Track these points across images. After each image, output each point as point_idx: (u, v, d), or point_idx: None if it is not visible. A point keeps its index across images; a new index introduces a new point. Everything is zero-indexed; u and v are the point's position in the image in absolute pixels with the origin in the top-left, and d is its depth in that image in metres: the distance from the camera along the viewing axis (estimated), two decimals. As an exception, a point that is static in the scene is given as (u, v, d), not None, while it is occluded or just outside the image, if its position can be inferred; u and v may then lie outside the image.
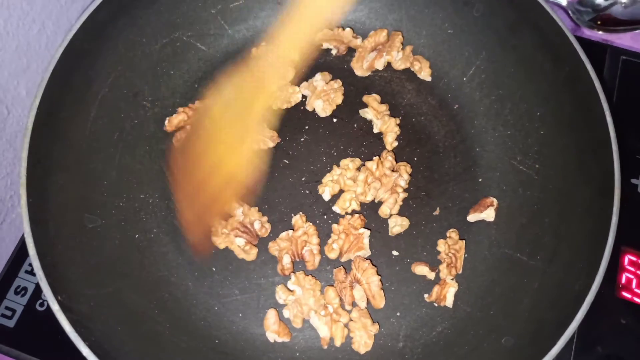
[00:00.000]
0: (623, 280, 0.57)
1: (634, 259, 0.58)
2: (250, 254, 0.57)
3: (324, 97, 0.63)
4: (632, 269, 0.58)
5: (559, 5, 0.73)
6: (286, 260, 0.56)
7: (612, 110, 0.64)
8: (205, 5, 0.64)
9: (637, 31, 0.72)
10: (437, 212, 0.60)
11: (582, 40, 0.69)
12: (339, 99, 0.64)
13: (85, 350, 0.44)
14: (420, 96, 0.65)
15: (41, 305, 0.58)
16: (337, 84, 0.64)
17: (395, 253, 0.58)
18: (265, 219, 0.59)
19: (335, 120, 0.64)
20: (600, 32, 0.72)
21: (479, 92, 0.64)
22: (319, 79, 0.64)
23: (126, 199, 0.58)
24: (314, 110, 0.64)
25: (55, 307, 0.45)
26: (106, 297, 0.51)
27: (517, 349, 0.49)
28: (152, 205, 0.59)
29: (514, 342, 0.49)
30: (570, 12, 0.73)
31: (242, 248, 0.57)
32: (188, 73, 0.65)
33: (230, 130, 0.47)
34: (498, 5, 0.60)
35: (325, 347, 0.54)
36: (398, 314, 0.56)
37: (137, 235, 0.57)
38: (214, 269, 0.57)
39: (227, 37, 0.67)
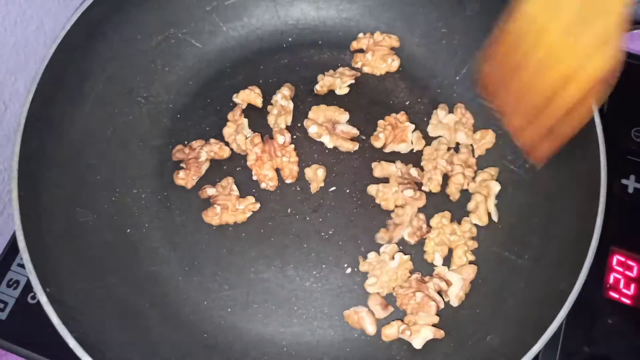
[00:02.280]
0: (611, 280, 0.57)
1: (622, 259, 0.58)
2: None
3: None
4: (620, 269, 0.57)
5: (556, 5, 0.73)
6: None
7: (605, 110, 0.64)
8: (200, 2, 0.65)
9: (634, 32, 0.72)
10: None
11: (576, 40, 0.69)
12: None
13: (72, 342, 0.45)
14: (413, 95, 0.65)
15: (33, 298, 0.58)
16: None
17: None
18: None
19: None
20: (597, 32, 0.72)
21: (472, 92, 0.63)
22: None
23: (119, 194, 0.59)
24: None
25: (44, 299, 0.46)
26: (96, 291, 0.52)
27: (501, 347, 0.49)
28: (144, 201, 0.60)
29: (498, 340, 0.49)
30: (567, 11, 0.73)
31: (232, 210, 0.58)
32: (183, 70, 0.65)
33: (570, 22, 0.40)
34: (491, 4, 0.60)
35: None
36: (386, 311, 0.56)
37: (128, 230, 0.58)
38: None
39: (222, 35, 0.67)
